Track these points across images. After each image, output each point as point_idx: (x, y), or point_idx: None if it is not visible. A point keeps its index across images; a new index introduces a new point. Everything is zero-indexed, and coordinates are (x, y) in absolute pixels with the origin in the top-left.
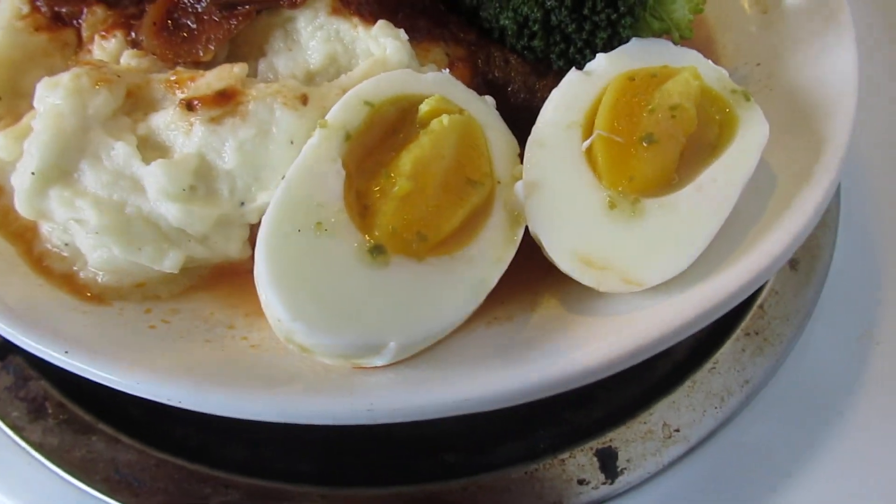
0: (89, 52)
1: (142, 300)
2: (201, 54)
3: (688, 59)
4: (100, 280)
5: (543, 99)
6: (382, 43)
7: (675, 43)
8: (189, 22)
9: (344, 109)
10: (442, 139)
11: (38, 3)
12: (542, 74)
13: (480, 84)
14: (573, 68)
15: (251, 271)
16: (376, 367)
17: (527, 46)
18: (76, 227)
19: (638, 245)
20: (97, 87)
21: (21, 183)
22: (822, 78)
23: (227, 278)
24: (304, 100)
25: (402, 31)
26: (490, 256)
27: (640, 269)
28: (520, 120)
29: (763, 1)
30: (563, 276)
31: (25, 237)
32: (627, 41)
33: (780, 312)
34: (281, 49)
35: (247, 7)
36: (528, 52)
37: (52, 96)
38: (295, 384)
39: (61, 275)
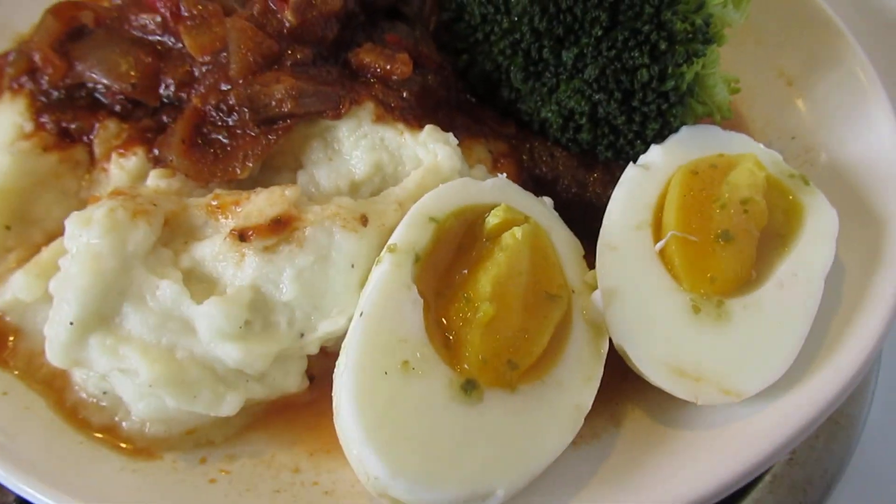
0: (104, 170)
1: (194, 448)
2: (239, 172)
3: (741, 144)
4: (147, 431)
5: (595, 192)
6: (432, 149)
7: (717, 124)
8: (221, 137)
9: (410, 228)
10: (517, 254)
11: (43, 120)
12: (590, 167)
13: (527, 180)
14: (630, 164)
15: (308, 403)
16: None
17: (572, 139)
18: (117, 375)
19: (730, 351)
20: (135, 220)
21: (57, 334)
22: (866, 153)
23: (283, 413)
24: (364, 221)
25: (450, 134)
26: (580, 376)
27: (737, 377)
28: (573, 215)
29: (787, 73)
30: (643, 383)
31: (55, 385)
32: (677, 130)
33: None
34: (321, 160)
35: (287, 122)
36: (572, 144)
37: (86, 235)
38: None
39: (101, 427)
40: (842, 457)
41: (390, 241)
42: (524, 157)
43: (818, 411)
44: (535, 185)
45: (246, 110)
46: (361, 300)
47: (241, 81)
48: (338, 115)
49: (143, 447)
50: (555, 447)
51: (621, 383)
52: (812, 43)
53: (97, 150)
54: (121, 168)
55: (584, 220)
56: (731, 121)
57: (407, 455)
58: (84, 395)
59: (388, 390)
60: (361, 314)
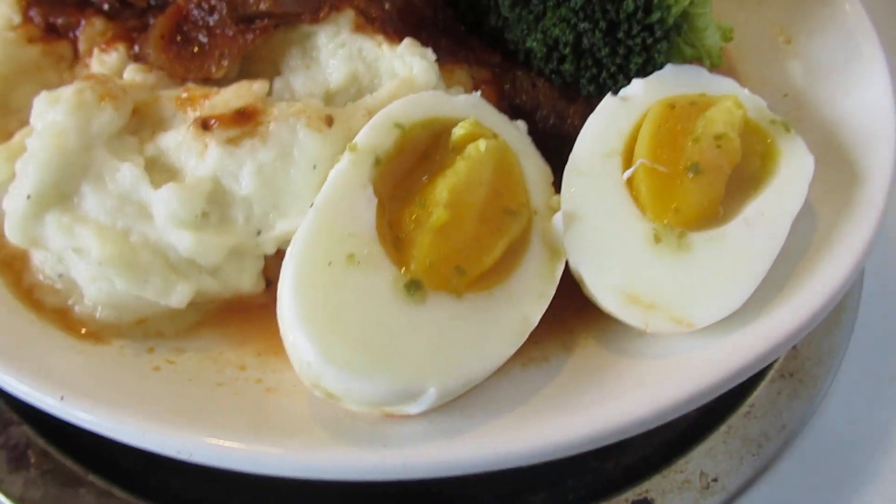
0: (86, 66)
1: (143, 338)
2: (213, 70)
3: (725, 87)
4: (98, 315)
5: (573, 125)
6: (409, 62)
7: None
8: (200, 36)
9: (373, 132)
10: (479, 166)
11: (32, 14)
12: (572, 99)
13: (507, 109)
14: (609, 94)
15: (263, 306)
16: (408, 416)
17: (555, 70)
18: (73, 256)
19: (686, 282)
20: (102, 103)
21: (14, 207)
22: (855, 109)
23: (237, 314)
24: (329, 121)
25: (429, 49)
26: (531, 292)
27: (690, 307)
28: (549, 146)
29: (786, 31)
30: (601, 313)
31: (14, 267)
32: (661, 67)
33: (813, 353)
34: (298, 66)
35: (265, 21)
36: (555, 75)
37: (52, 112)
38: (317, 434)
39: (54, 309)
40: (801, 415)
41: (352, 142)
42: (506, 85)
43: (766, 349)
44: (515, 113)
45: (225, 6)
46: (317, 196)
47: None
48: (316, 19)
49: (92, 331)
50: (495, 356)
51: (577, 313)
52: (816, 4)
53: (81, 46)
54: (101, 63)
55: (560, 153)
56: (723, 72)
57: (341, 343)
58: (41, 278)
59: (329, 280)
60: (312, 205)
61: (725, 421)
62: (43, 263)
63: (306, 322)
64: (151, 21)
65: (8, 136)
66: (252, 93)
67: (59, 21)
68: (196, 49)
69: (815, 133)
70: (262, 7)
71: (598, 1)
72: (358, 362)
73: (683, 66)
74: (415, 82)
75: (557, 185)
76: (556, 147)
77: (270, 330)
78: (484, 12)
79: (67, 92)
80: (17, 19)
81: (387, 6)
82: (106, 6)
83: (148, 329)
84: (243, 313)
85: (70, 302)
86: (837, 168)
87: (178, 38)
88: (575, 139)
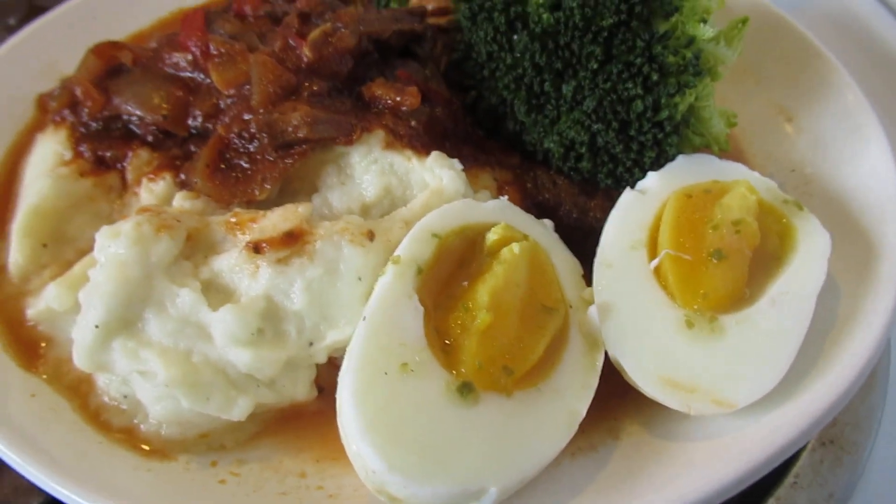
0: (135, 194)
1: (206, 451)
2: (257, 193)
3: (735, 172)
4: (163, 433)
5: (595, 217)
6: (438, 174)
7: (716, 155)
8: (242, 162)
9: (413, 243)
10: (514, 267)
11: (82, 149)
12: (591, 194)
13: (530, 206)
14: (627, 188)
15: (317, 412)
16: None
17: (573, 168)
18: (138, 378)
19: (723, 364)
20: (159, 234)
21: (83, 337)
22: (862, 183)
23: (292, 422)
24: (371, 236)
25: (456, 160)
26: (576, 384)
27: (729, 389)
28: (574, 239)
29: (787, 111)
30: (642, 399)
31: (80, 391)
32: (673, 158)
33: (850, 418)
34: (335, 184)
35: (303, 147)
36: (574, 172)
37: (114, 246)
38: None
39: (121, 429)
40: (846, 483)
41: (394, 254)
42: (528, 184)
43: (809, 423)
44: (539, 211)
45: (265, 135)
46: (365, 307)
47: (261, 111)
48: (350, 142)
49: (158, 448)
50: (549, 451)
51: (620, 400)
52: (810, 80)
53: (129, 175)
54: (150, 192)
55: (585, 244)
56: (731, 155)
57: (403, 451)
58: (106, 399)
59: (387, 389)
60: (364, 319)
61: (773, 494)
62: (108, 386)
63: (369, 433)
64: (192, 148)
65: (66, 264)
66: (298, 215)
67: (108, 154)
68: (239, 175)
69: (826, 206)
70: (300, 134)
71: (608, 104)
72: (421, 469)
73: (694, 156)
74: (445, 192)
75: (586, 276)
76: (580, 239)
77: (327, 436)
78: (501, 119)
79: (127, 226)
80: (67, 155)
81: (413, 123)
82: (150, 137)
83: (211, 443)
84: (298, 420)
85: (136, 421)
86: (852, 241)
87: (222, 165)
88: (597, 230)
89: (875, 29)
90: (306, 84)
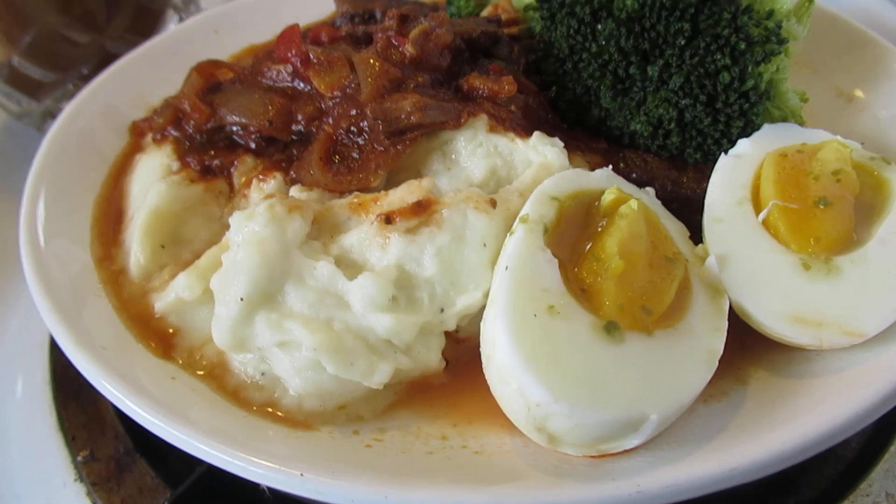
0: (245, 196)
1: (346, 422)
2: (371, 181)
3: (820, 136)
4: (304, 406)
5: (690, 188)
6: (542, 151)
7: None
8: (353, 154)
9: (537, 205)
10: (635, 221)
11: (189, 160)
12: (681, 168)
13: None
14: (722, 155)
15: (444, 385)
16: (623, 453)
17: (662, 145)
18: (277, 352)
19: (846, 299)
20: (291, 213)
21: (227, 312)
22: None
23: (422, 393)
24: (493, 203)
25: (556, 138)
26: (708, 327)
27: (857, 320)
28: (672, 210)
29: (846, 93)
30: (764, 346)
31: (215, 374)
32: (758, 128)
33: None
34: (441, 170)
35: (414, 133)
36: (663, 150)
37: (251, 224)
38: (547, 479)
39: (262, 403)
40: None
41: (522, 213)
42: (620, 164)
43: None
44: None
45: (380, 123)
46: (504, 260)
47: (372, 103)
48: (458, 125)
49: (300, 420)
50: (697, 382)
51: (740, 350)
52: (862, 63)
53: (236, 181)
54: (260, 191)
55: (683, 214)
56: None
57: (567, 381)
58: (244, 378)
59: (539, 329)
60: (507, 268)
61: (894, 441)
62: (244, 364)
63: (531, 367)
64: (295, 153)
65: (182, 264)
66: (423, 187)
67: (214, 163)
68: (352, 165)
69: None
70: (413, 119)
71: (695, 78)
72: (586, 397)
73: (777, 125)
74: (551, 166)
75: (693, 240)
76: (676, 209)
77: (458, 405)
78: (585, 108)
79: (261, 208)
80: (175, 166)
81: (513, 108)
82: (253, 145)
83: (350, 413)
84: (428, 391)
85: (276, 395)
86: None
87: (335, 158)
88: (693, 200)
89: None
90: (411, 77)
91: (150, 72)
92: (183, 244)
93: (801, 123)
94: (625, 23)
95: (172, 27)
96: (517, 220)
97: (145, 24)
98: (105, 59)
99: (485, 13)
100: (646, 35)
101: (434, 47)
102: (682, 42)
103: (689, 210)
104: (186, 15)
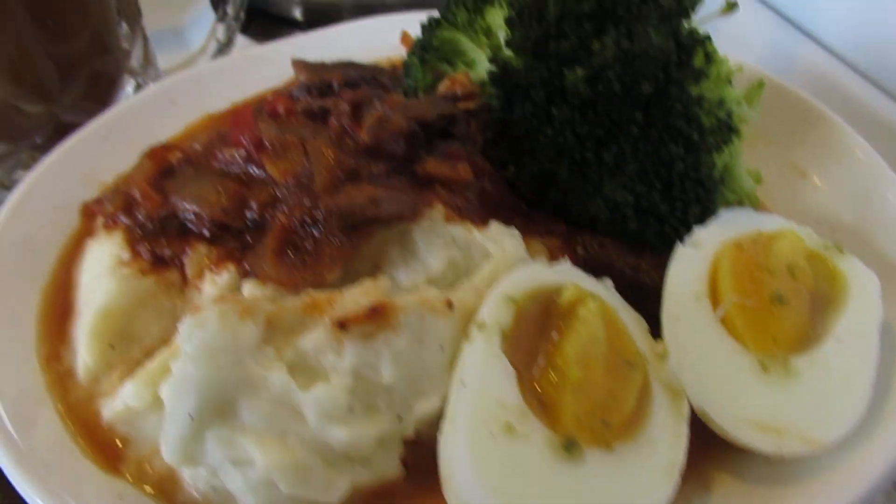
0: (197, 288)
1: None
2: (326, 276)
3: (774, 223)
4: None
5: (648, 274)
6: (500, 242)
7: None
8: (307, 246)
9: (494, 308)
10: (593, 325)
11: (139, 249)
12: (639, 253)
13: (583, 269)
14: (678, 245)
15: (403, 492)
16: None
17: (621, 230)
18: (229, 468)
19: (804, 404)
20: (243, 318)
21: (175, 429)
22: (886, 223)
23: (381, 500)
24: (451, 305)
25: (513, 227)
26: (669, 434)
27: (816, 427)
28: (630, 298)
29: (800, 168)
30: (724, 448)
31: (165, 488)
32: (714, 212)
33: None
34: (397, 260)
35: (371, 226)
36: (622, 235)
37: (201, 334)
38: None
39: None
40: None
41: (478, 319)
42: (578, 248)
43: None
44: (591, 273)
45: (334, 217)
46: (460, 372)
47: (325, 195)
48: (414, 217)
49: None
50: (658, 500)
51: (704, 451)
52: (816, 137)
53: (189, 271)
54: (214, 284)
55: (641, 303)
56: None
57: None
58: (195, 494)
59: (497, 452)
60: (464, 383)
61: None
62: (195, 479)
63: (490, 496)
64: (249, 240)
65: (132, 363)
66: (379, 289)
67: (166, 252)
68: (306, 259)
69: (859, 252)
70: (368, 213)
71: (650, 166)
72: None
73: (733, 210)
74: (509, 258)
75: (653, 333)
76: (635, 299)
77: None
78: (543, 189)
79: (212, 314)
80: (125, 256)
81: (468, 196)
82: (206, 232)
83: None
84: (386, 500)
85: None
86: (891, 280)
87: (288, 251)
88: (650, 289)
89: (851, 92)
90: (365, 167)
91: (107, 147)
92: (133, 341)
93: (756, 205)
94: (579, 109)
95: (130, 92)
96: (474, 326)
97: (101, 91)
98: (59, 128)
99: (442, 87)
100: (600, 122)
101: (389, 135)
102: (637, 131)
103: (646, 299)
104: (144, 80)
